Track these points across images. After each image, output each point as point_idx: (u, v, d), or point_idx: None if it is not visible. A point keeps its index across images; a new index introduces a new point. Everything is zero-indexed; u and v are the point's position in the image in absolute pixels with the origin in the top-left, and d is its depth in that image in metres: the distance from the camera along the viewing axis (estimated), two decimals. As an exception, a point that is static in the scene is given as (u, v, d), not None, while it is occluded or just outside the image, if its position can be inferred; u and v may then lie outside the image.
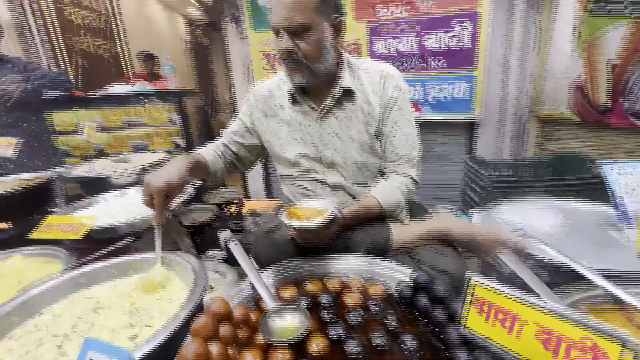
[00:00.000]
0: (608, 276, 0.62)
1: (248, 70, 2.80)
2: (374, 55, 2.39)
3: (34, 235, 0.99)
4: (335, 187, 1.03)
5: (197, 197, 1.70)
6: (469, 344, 0.45)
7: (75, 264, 0.85)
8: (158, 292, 0.75)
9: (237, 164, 1.14)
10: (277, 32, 0.89)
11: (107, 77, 3.82)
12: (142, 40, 4.56)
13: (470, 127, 2.47)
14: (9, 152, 1.61)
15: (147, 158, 1.69)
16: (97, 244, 0.98)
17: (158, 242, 0.80)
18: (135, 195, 1.35)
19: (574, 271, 0.67)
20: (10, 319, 0.67)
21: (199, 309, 0.61)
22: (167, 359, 0.49)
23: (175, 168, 0.84)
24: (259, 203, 2.60)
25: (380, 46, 2.38)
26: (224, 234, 0.84)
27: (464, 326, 0.45)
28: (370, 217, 0.95)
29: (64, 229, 0.99)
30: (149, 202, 0.80)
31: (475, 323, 0.44)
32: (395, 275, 0.70)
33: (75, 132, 2.51)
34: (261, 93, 1.08)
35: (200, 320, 0.52)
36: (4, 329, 0.66)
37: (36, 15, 3.31)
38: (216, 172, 1.07)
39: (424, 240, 0.96)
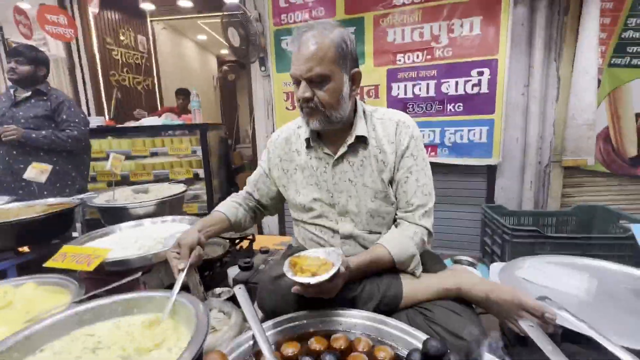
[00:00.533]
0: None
1: (269, 106, 2.92)
2: (392, 97, 2.45)
3: (49, 263, 1.01)
4: (346, 237, 1.01)
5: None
6: None
7: (83, 298, 0.85)
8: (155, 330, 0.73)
9: (262, 210, 1.20)
10: (296, 80, 0.93)
11: (140, 109, 4.09)
12: (174, 76, 4.91)
13: (489, 172, 2.42)
14: (42, 178, 1.70)
15: (166, 190, 1.74)
16: (108, 276, 0.98)
17: (176, 288, 0.79)
18: (150, 227, 1.38)
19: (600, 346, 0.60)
20: (11, 355, 0.67)
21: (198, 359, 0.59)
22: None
23: (191, 229, 0.97)
24: (271, 239, 2.58)
25: (398, 90, 2.45)
26: (233, 272, 0.83)
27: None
28: (381, 268, 0.91)
29: (78, 260, 1.01)
30: (176, 256, 0.91)
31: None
32: (406, 337, 0.66)
33: (105, 159, 2.66)
34: (278, 140, 1.13)
35: (196, 378, 0.50)
36: (3, 366, 0.65)
37: (82, 53, 3.66)
38: (239, 221, 1.12)
39: (437, 297, 0.91)
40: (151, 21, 4.35)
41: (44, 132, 1.89)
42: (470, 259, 1.58)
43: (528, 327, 0.63)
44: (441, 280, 0.93)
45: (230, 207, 1.12)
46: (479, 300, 0.87)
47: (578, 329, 0.63)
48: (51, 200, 1.59)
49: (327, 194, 1.02)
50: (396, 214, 1.02)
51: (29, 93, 1.93)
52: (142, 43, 4.23)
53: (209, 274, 1.58)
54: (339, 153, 1.00)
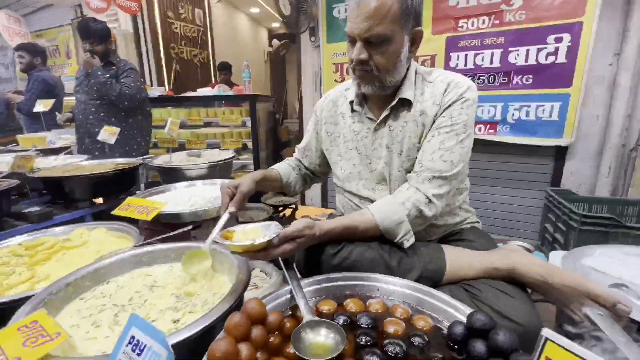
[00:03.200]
0: None
1: (317, 78, 2.88)
2: (449, 69, 2.25)
3: (116, 212, 1.13)
4: None
5: (257, 197, 1.78)
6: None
7: (143, 243, 0.93)
8: (199, 279, 0.77)
9: (313, 176, 1.22)
10: (352, 40, 0.86)
11: (196, 81, 4.31)
12: (227, 49, 5.05)
13: (557, 154, 2.15)
14: (112, 140, 1.89)
15: (217, 155, 1.83)
16: (164, 227, 1.07)
17: (219, 225, 0.81)
18: (201, 187, 1.47)
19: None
20: (84, 282, 0.76)
21: (238, 305, 0.62)
22: (200, 349, 0.50)
23: (249, 178, 0.95)
24: (313, 210, 2.62)
25: (458, 60, 2.24)
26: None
27: (530, 391, 0.36)
28: (363, 235, 0.85)
29: (139, 210, 1.11)
30: (230, 194, 0.91)
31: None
32: (448, 309, 0.62)
33: (164, 126, 2.88)
34: (325, 102, 1.10)
35: (234, 319, 0.52)
36: (78, 290, 0.75)
37: (147, 26, 3.90)
38: (290, 183, 1.15)
39: (485, 276, 0.84)
40: (208, -7, 4.46)
41: (102, 78, 2.04)
42: (525, 245, 1.44)
43: (596, 315, 0.55)
44: (492, 258, 0.85)
45: (285, 168, 1.15)
46: (536, 283, 0.79)
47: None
48: (120, 160, 1.76)
49: (365, 160, 0.99)
50: (410, 179, 0.91)
51: (102, 64, 2.12)
52: (199, 16, 4.38)
53: (253, 237, 1.66)
54: (381, 117, 0.94)
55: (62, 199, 1.45)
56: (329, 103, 1.08)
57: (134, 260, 0.86)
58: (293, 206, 1.90)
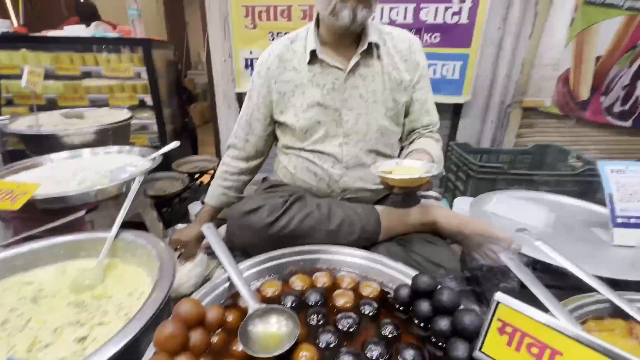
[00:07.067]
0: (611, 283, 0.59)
1: (226, 24, 2.51)
2: (366, 22, 2.22)
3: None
4: (348, 165, 0.95)
5: (166, 164, 1.54)
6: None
7: (10, 241, 0.70)
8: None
9: (257, 162, 1.12)
10: None
11: (60, 15, 3.32)
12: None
13: (454, 111, 2.42)
14: None
15: (107, 116, 1.48)
16: (42, 217, 0.82)
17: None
18: (90, 158, 1.17)
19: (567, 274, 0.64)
20: None
21: (165, 307, 0.52)
22: (123, 376, 0.40)
23: (196, 230, 1.01)
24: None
25: (373, 14, 2.20)
26: (195, 209, 0.73)
27: (480, 349, 0.39)
28: None
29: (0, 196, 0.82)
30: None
31: (493, 347, 0.38)
32: (392, 272, 0.64)
33: (20, 76, 2.19)
34: (270, 59, 0.97)
35: (167, 330, 0.43)
36: None
37: None
38: (230, 203, 1.10)
39: (413, 230, 0.92)
40: None
41: None
42: (435, 194, 1.63)
43: (508, 259, 0.64)
44: (417, 214, 0.93)
45: (218, 197, 1.09)
46: (452, 233, 0.90)
47: (553, 261, 0.66)
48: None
49: (334, 113, 0.93)
50: (412, 132, 1.04)
51: None
52: None
53: (166, 210, 1.47)
54: (351, 64, 0.89)
55: None
56: (275, 60, 0.96)
57: (1, 266, 0.64)
58: (212, 172, 1.72)
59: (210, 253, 0.99)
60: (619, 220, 0.86)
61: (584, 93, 2.36)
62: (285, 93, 0.96)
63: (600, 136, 2.45)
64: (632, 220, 0.85)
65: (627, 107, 2.38)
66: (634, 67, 2.23)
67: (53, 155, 1.13)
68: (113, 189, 0.92)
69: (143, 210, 1.17)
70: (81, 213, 0.84)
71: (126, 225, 0.77)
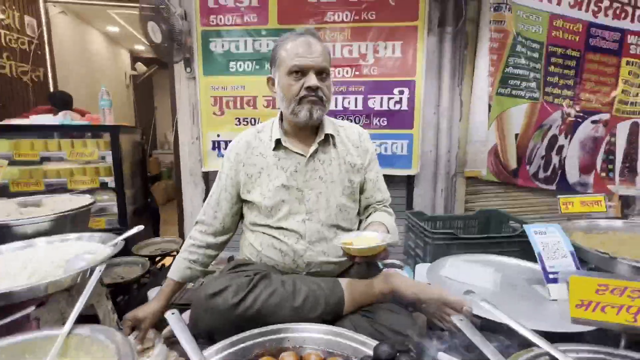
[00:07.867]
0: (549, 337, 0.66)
1: (195, 110, 2.72)
2: (323, 109, 2.53)
3: None
4: (312, 241, 1.01)
5: (125, 248, 1.48)
6: None
7: (-57, 349, 0.64)
8: None
9: (224, 239, 1.16)
10: (299, 72, 0.98)
11: (26, 104, 3.40)
12: (78, 69, 4.21)
13: (408, 182, 2.67)
14: None
15: (67, 202, 1.45)
16: (-18, 316, 0.76)
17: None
18: (45, 248, 1.12)
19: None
20: None
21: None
22: None
23: (154, 307, 1.05)
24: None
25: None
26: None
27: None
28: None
29: None
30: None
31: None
32: (356, 345, 0.66)
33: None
34: (239, 145, 1.11)
35: None
36: None
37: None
38: (194, 278, 1.14)
39: (375, 300, 0.96)
40: (45, 1, 3.67)
41: None
42: (398, 262, 1.70)
43: (459, 321, 0.70)
44: (378, 284, 0.98)
45: (182, 271, 1.10)
46: (411, 300, 0.95)
47: (497, 318, 0.73)
48: None
49: (297, 192, 1.04)
50: (367, 208, 1.17)
51: None
52: (30, 26, 3.53)
53: (123, 299, 1.37)
54: (311, 151, 1.05)
55: None
56: (244, 145, 1.10)
57: None
58: (175, 253, 1.68)
59: (172, 343, 0.93)
60: (551, 277, 0.98)
61: (512, 163, 2.75)
62: (252, 175, 1.07)
63: (533, 198, 2.79)
64: (560, 276, 0.97)
65: (548, 173, 2.79)
66: (545, 141, 2.70)
67: (3, 247, 1.07)
68: (67, 280, 0.86)
69: (97, 302, 1.10)
70: (29, 310, 0.79)
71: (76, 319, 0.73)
